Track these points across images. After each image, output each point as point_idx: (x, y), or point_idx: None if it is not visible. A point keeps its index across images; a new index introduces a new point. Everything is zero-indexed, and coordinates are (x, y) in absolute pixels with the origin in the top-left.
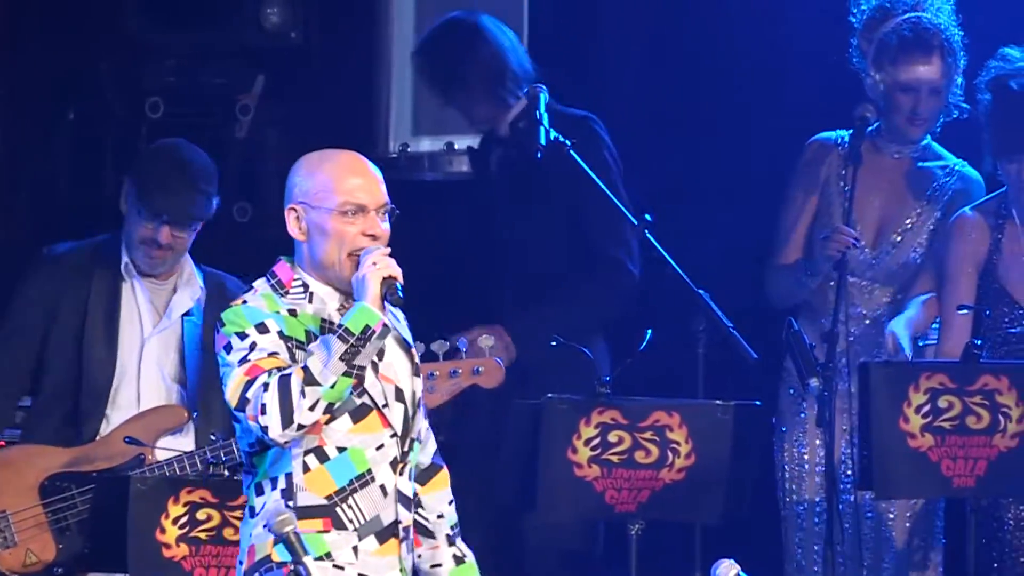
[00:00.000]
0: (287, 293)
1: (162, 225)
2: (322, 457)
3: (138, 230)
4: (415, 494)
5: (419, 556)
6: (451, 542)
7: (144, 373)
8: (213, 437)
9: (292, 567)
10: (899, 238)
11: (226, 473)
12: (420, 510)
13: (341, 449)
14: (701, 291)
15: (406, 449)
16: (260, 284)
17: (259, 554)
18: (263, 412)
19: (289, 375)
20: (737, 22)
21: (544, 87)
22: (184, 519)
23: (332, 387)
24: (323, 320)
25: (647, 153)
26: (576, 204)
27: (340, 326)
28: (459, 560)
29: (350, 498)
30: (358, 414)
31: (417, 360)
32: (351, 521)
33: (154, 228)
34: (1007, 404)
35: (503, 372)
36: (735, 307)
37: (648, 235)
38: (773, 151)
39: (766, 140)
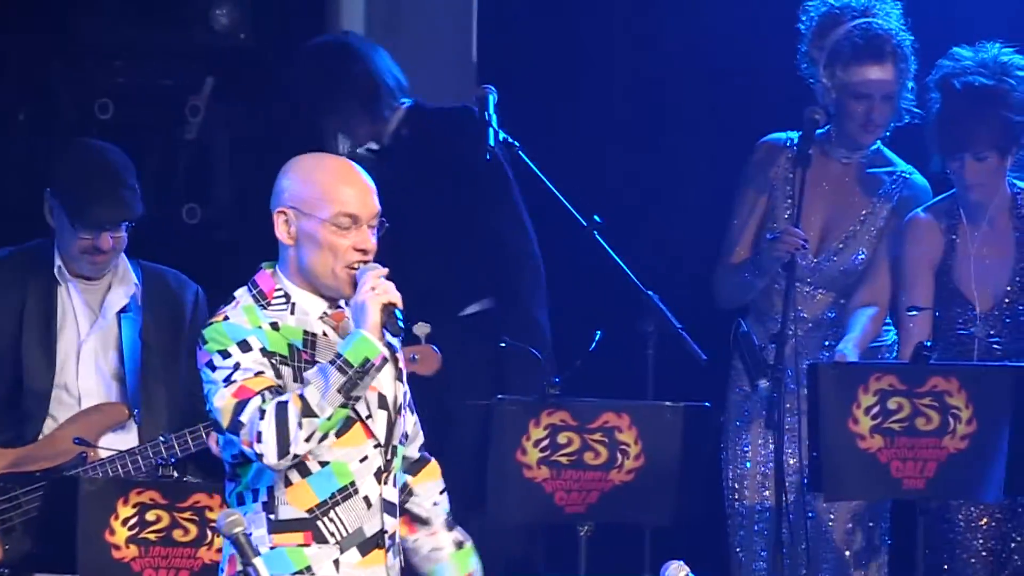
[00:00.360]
0: (268, 305)
1: (101, 233)
2: (304, 472)
3: (75, 242)
4: (406, 485)
5: (415, 542)
6: (450, 527)
7: (83, 373)
8: (163, 439)
9: (242, 568)
10: (841, 244)
11: (175, 474)
12: (413, 499)
13: (323, 463)
14: (650, 292)
15: (389, 457)
16: (241, 295)
17: (239, 564)
18: (259, 440)
19: (286, 403)
20: (683, 27)
21: (493, 88)
22: (133, 520)
23: (329, 419)
24: (305, 332)
25: (595, 155)
26: (499, 204)
27: (339, 356)
28: (459, 544)
29: (332, 511)
30: (341, 428)
31: (402, 364)
32: (332, 535)
33: (93, 237)
34: (957, 406)
35: (439, 358)
36: (684, 308)
37: (597, 236)
38: (721, 152)
39: (714, 141)
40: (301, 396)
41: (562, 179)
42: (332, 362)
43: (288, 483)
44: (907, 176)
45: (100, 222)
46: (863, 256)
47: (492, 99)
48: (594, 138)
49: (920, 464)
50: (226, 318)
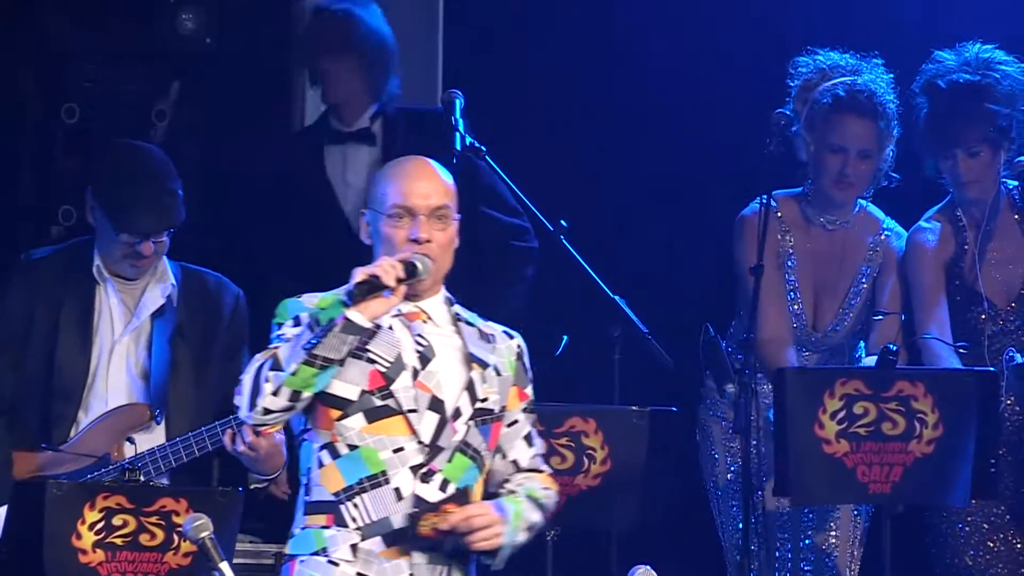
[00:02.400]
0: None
1: (144, 240)
2: (334, 454)
3: (117, 246)
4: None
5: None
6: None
7: (113, 373)
8: (180, 438)
9: (208, 571)
10: (844, 322)
11: (141, 479)
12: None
13: (352, 447)
14: (616, 297)
15: (433, 458)
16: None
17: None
18: (239, 392)
19: (267, 360)
20: (649, 30)
21: (459, 92)
22: (100, 524)
23: (293, 374)
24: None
25: (561, 159)
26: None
27: (313, 315)
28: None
29: (357, 497)
30: (374, 414)
31: (486, 379)
32: (354, 520)
33: (135, 243)
34: (923, 410)
35: None
36: (650, 313)
37: (563, 241)
38: (690, 155)
39: (682, 144)
40: (274, 352)
41: (528, 183)
42: (308, 323)
43: (321, 465)
44: (892, 230)
45: (142, 229)
46: (864, 315)
47: (459, 103)
48: (561, 141)
49: (886, 469)
50: (299, 296)
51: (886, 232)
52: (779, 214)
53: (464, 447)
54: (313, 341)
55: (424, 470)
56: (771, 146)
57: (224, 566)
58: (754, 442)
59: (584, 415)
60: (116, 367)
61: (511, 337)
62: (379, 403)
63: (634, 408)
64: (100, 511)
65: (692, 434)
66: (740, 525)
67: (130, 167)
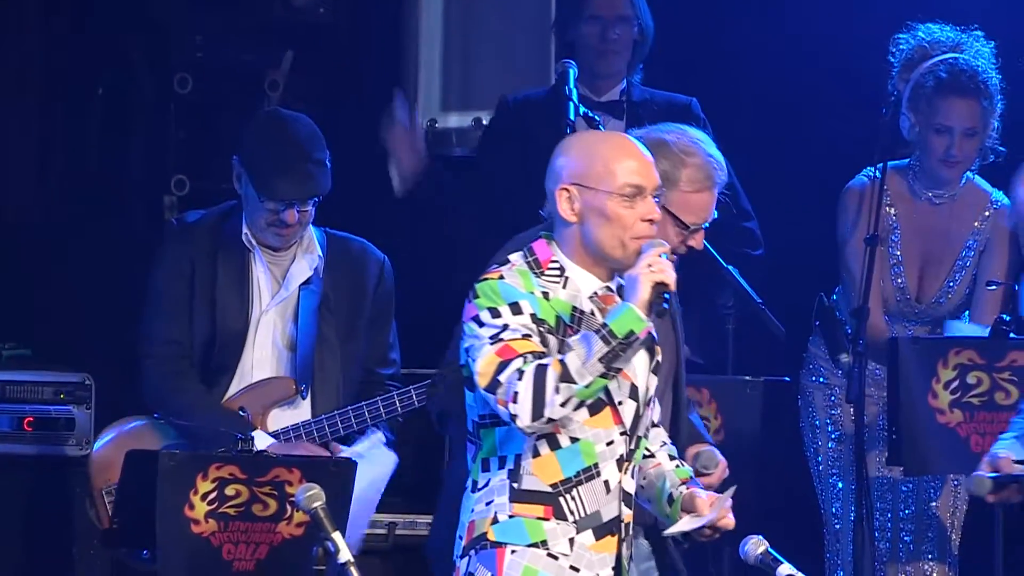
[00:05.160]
0: (542, 274)
1: (287, 208)
2: (554, 445)
3: (263, 215)
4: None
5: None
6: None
7: (259, 345)
8: (326, 416)
9: (321, 541)
10: (949, 294)
11: (254, 449)
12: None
13: (574, 440)
14: (729, 267)
15: (633, 447)
16: (516, 259)
17: (477, 531)
18: (514, 400)
19: (546, 366)
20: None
21: (573, 62)
22: (213, 495)
23: (587, 386)
24: (574, 308)
25: None
26: None
27: (604, 326)
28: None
29: (575, 490)
30: (594, 407)
31: (659, 357)
32: (572, 512)
33: (279, 211)
34: None
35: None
36: (762, 283)
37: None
38: (799, 125)
39: (788, 115)
40: (562, 361)
41: None
42: (597, 331)
43: (536, 454)
44: (1002, 206)
45: (286, 196)
46: (968, 289)
47: (572, 73)
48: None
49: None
50: (501, 277)
51: (995, 205)
52: (885, 187)
53: (646, 430)
54: (612, 354)
55: (626, 462)
56: (887, 116)
57: (337, 536)
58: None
59: (698, 385)
60: (263, 338)
61: None
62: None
63: (747, 378)
64: (212, 481)
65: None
66: (840, 492)
67: (276, 134)
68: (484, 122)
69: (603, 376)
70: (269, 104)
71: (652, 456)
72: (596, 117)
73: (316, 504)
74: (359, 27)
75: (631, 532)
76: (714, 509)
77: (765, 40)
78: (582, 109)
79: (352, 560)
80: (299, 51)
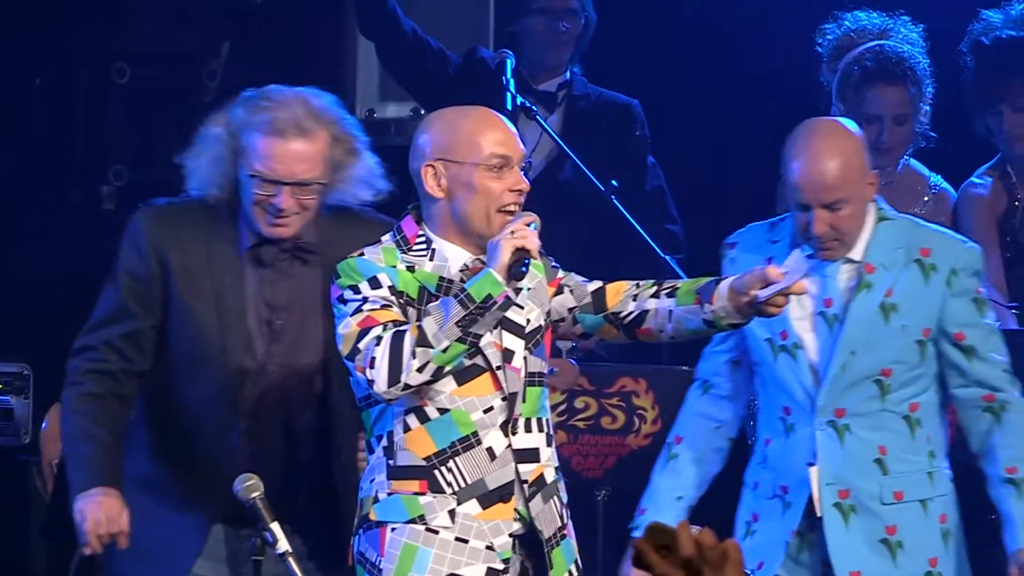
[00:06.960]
0: (410, 249)
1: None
2: (423, 418)
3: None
4: (617, 318)
5: (659, 332)
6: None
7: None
8: None
9: (259, 531)
10: None
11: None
12: (624, 319)
13: (443, 411)
14: (667, 256)
15: (513, 407)
16: (386, 238)
17: (363, 510)
18: (371, 365)
19: (403, 332)
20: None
21: (511, 52)
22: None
23: (444, 351)
24: (440, 278)
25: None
26: None
27: (463, 290)
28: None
29: (451, 460)
30: (464, 376)
31: (532, 317)
32: (450, 484)
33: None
34: None
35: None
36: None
37: (615, 201)
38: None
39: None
40: (419, 326)
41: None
42: (455, 296)
43: (407, 428)
44: (942, 188)
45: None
46: None
47: (510, 63)
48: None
49: None
50: (361, 254)
51: (934, 189)
52: None
53: (530, 379)
54: (469, 318)
55: (510, 424)
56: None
57: (275, 526)
58: None
59: (635, 375)
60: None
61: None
62: (468, 363)
63: (684, 368)
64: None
65: None
66: None
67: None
68: (422, 112)
69: (460, 341)
70: (207, 94)
71: (644, 314)
72: (534, 108)
73: (254, 494)
74: (298, 16)
75: (546, 484)
76: (790, 274)
77: (700, 40)
78: (519, 99)
79: (291, 551)
80: (237, 40)
